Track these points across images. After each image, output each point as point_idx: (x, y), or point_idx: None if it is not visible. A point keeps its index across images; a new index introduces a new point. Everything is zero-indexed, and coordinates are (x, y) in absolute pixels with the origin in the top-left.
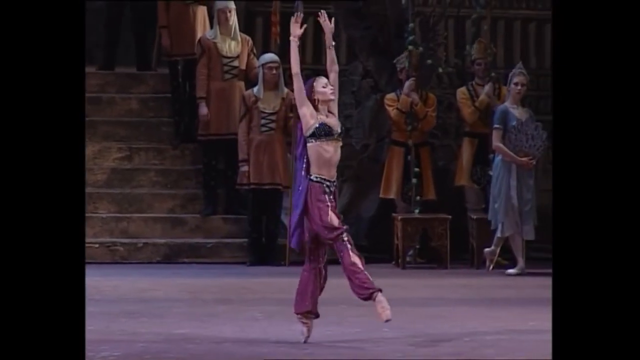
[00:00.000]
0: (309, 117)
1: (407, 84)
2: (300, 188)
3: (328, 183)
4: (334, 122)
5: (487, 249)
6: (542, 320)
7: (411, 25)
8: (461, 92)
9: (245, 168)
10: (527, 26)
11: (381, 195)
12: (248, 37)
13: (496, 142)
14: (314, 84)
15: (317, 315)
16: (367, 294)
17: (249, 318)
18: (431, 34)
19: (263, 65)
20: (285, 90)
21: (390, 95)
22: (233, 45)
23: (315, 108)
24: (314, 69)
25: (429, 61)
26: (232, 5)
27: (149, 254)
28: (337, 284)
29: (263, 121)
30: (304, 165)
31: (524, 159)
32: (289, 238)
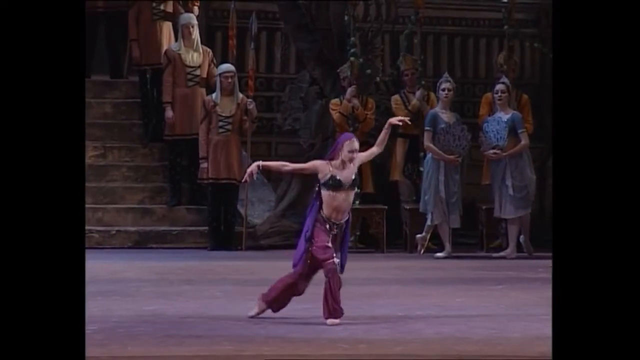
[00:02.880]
0: (322, 170)
1: (348, 90)
2: (310, 223)
3: (330, 224)
4: (347, 174)
5: (418, 235)
6: (467, 297)
7: (352, 39)
8: (394, 99)
9: (204, 165)
10: (453, 41)
11: None
12: (208, 49)
13: (427, 142)
14: (345, 143)
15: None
16: (331, 317)
17: (210, 296)
18: (370, 47)
19: (220, 74)
20: (240, 95)
21: (334, 100)
22: (195, 56)
23: (335, 158)
24: (266, 77)
25: (368, 71)
26: (195, 21)
27: (121, 240)
28: (285, 266)
29: (220, 123)
30: (317, 204)
31: (451, 157)
32: (294, 262)
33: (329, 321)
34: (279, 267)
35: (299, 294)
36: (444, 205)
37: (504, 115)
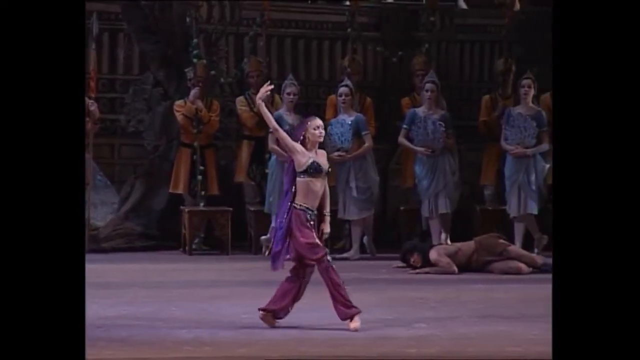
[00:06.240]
0: (301, 157)
1: (192, 92)
2: (284, 216)
3: (310, 212)
4: (323, 160)
5: (263, 237)
6: (311, 298)
7: (195, 40)
8: (240, 100)
9: None
10: (297, 43)
11: (170, 190)
12: None
13: (272, 144)
14: (308, 123)
15: (280, 317)
16: (349, 315)
17: None
18: (214, 48)
19: None
20: None
21: (179, 102)
22: None
23: (305, 145)
24: (109, 78)
25: (213, 72)
26: None
27: None
28: (128, 269)
29: None
30: (291, 196)
31: None
32: (271, 261)
33: (352, 326)
34: (122, 270)
35: (299, 298)
36: None
37: (348, 118)
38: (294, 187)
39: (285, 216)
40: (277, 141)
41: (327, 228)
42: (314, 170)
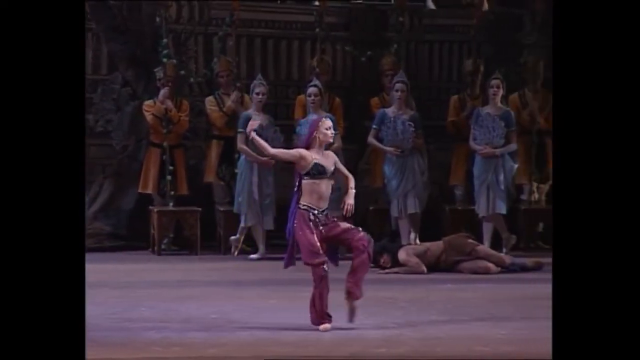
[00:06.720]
0: (303, 161)
1: (161, 92)
2: (291, 217)
3: (315, 211)
4: (328, 162)
5: (232, 237)
6: (280, 299)
7: (164, 40)
8: (209, 100)
9: None
10: (266, 43)
11: (139, 190)
12: None
13: (240, 144)
14: (320, 123)
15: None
16: (320, 324)
17: None
18: (183, 48)
19: None
20: None
21: (148, 102)
22: None
23: (313, 144)
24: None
25: (182, 72)
26: None
27: None
28: (97, 269)
29: None
30: (296, 198)
31: (264, 158)
32: (285, 260)
33: (322, 327)
34: (91, 270)
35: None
36: (257, 207)
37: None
38: (300, 188)
39: (292, 217)
40: (246, 141)
41: (348, 199)
42: (316, 172)
